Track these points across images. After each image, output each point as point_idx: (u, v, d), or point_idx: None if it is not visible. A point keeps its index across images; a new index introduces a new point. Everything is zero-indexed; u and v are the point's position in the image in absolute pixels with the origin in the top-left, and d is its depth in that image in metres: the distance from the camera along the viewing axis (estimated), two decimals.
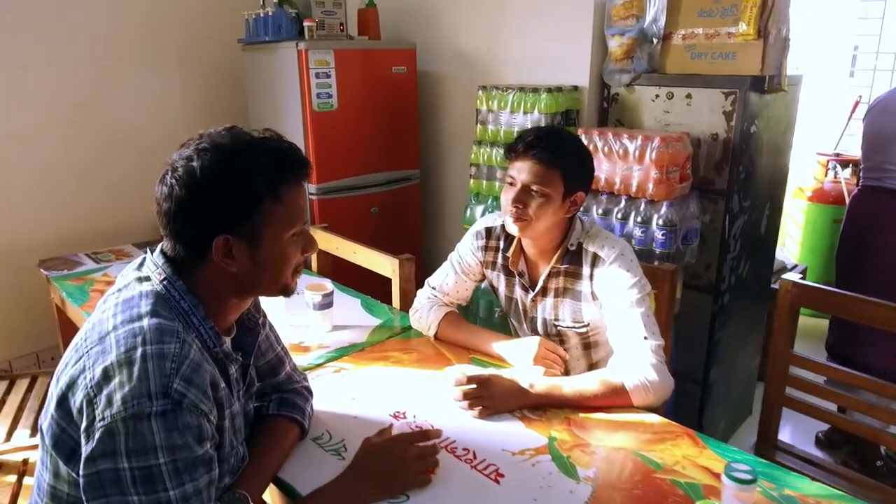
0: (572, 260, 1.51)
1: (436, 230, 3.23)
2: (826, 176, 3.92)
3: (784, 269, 3.32)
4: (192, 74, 3.04)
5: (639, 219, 2.12)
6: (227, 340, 1.04)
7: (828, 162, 3.93)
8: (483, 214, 2.52)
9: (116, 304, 0.94)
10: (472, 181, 2.55)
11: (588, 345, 1.61)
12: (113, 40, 2.81)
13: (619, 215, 2.17)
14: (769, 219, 2.55)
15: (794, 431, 2.67)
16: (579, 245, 1.52)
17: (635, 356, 1.38)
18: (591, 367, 1.64)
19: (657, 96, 2.27)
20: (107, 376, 0.85)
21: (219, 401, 0.95)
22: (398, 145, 2.91)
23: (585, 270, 1.50)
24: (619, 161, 2.12)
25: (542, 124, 2.27)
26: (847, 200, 3.76)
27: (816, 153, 4.08)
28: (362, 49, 2.70)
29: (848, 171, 3.77)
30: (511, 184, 1.48)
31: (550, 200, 1.44)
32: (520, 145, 1.45)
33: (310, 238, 1.04)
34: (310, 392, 1.30)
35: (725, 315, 2.34)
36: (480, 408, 1.31)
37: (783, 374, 1.80)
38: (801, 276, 3.39)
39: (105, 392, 0.84)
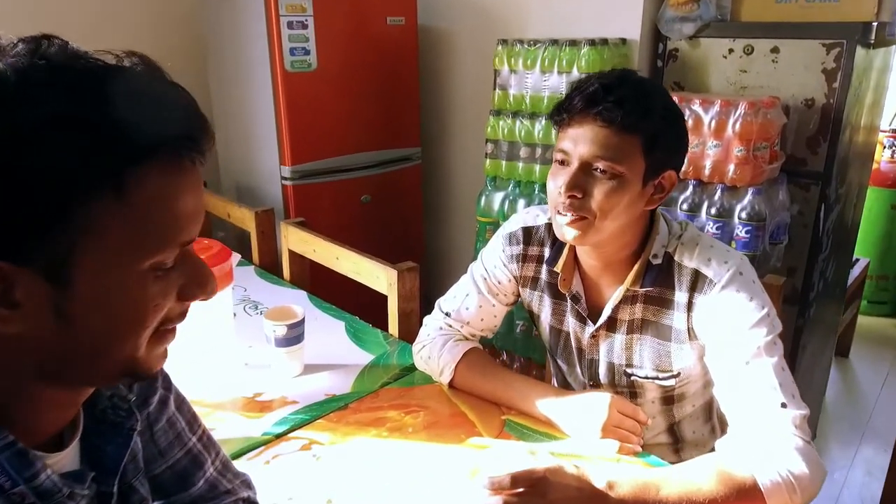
0: (658, 279, 1.01)
1: (441, 224, 2.72)
2: (883, 155, 3.41)
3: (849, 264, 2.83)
4: (142, 30, 2.47)
5: (713, 210, 1.61)
6: (59, 458, 0.54)
7: (884, 139, 3.42)
8: (503, 203, 2.00)
9: None
10: (488, 161, 2.04)
11: (671, 399, 1.11)
12: None
13: (686, 206, 1.66)
14: (855, 209, 2.06)
15: (872, 462, 2.21)
16: (668, 257, 1.01)
17: (770, 435, 0.89)
18: (671, 428, 1.14)
19: (731, 51, 1.76)
20: None
21: None
22: (394, 117, 2.38)
23: (680, 296, 1.00)
24: (688, 135, 1.60)
25: None
26: None
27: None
28: None
29: None
30: (562, 162, 0.97)
31: (626, 185, 0.94)
32: (577, 100, 0.94)
33: (198, 270, 0.53)
34: None
35: (810, 329, 1.85)
36: None
37: None
38: (862, 271, 2.92)
39: None
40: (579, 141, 0.94)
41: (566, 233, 0.98)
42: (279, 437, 1.05)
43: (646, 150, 0.94)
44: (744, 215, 1.57)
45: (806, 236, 1.74)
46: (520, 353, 2.05)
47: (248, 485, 0.81)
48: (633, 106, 0.92)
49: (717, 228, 1.60)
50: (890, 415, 2.52)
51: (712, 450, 1.18)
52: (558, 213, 0.98)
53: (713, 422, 1.19)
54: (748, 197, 1.57)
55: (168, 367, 1.11)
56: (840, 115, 1.62)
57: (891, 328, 3.28)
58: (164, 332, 0.52)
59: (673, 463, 1.19)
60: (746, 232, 1.56)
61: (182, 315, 0.53)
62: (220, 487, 0.76)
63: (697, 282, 0.98)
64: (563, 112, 0.96)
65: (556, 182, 0.97)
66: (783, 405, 0.90)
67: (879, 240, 3.37)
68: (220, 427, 1.07)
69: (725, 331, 0.95)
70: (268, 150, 2.16)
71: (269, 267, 1.76)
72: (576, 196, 0.95)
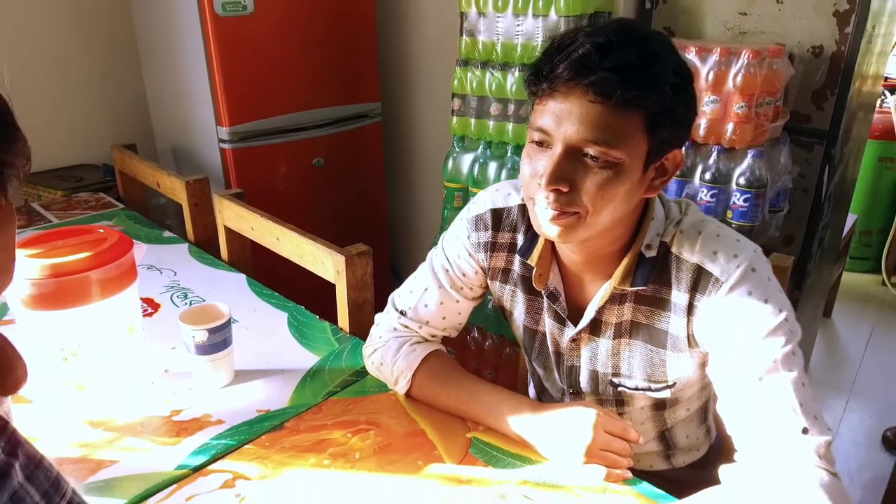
0: (652, 276, 0.83)
1: (406, 190, 2.50)
2: None
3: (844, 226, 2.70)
4: None
5: (707, 176, 1.43)
6: None
7: None
8: (473, 167, 1.78)
9: None
10: (454, 119, 1.81)
11: (662, 404, 0.94)
12: None
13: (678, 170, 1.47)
14: (854, 166, 1.89)
15: (857, 429, 2.14)
16: (664, 248, 0.83)
17: (790, 468, 0.73)
18: (662, 434, 0.99)
19: None
20: None
21: None
22: (348, 68, 2.12)
23: (678, 297, 0.82)
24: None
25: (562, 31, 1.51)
26: None
27: None
28: None
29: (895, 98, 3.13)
30: (541, 143, 0.76)
31: (623, 173, 0.75)
32: (561, 64, 0.72)
33: None
34: None
35: (805, 301, 1.71)
36: None
37: None
38: (850, 229, 2.80)
39: None
40: (564, 119, 0.73)
41: (548, 230, 0.79)
42: (196, 470, 0.86)
43: (649, 128, 0.74)
44: (742, 181, 1.38)
45: (806, 202, 1.57)
46: (492, 329, 1.89)
47: None
48: (636, 75, 0.70)
49: (711, 196, 1.42)
50: (874, 378, 2.46)
51: (706, 454, 1.05)
52: (540, 208, 0.78)
53: (708, 423, 1.05)
54: (747, 160, 1.38)
55: (59, 384, 0.92)
56: (851, 65, 1.43)
57: (873, 285, 3.20)
58: None
59: (664, 471, 1.06)
60: (745, 200, 1.38)
61: None
62: None
63: (700, 280, 0.80)
64: (542, 80, 0.74)
65: (535, 168, 0.77)
66: (804, 430, 0.74)
67: (865, 194, 3.25)
68: (126, 459, 0.88)
69: (735, 340, 0.78)
70: (202, 109, 1.90)
71: (206, 245, 1.54)
72: (561, 190, 0.75)
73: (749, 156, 1.38)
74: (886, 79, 3.37)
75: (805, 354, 2.17)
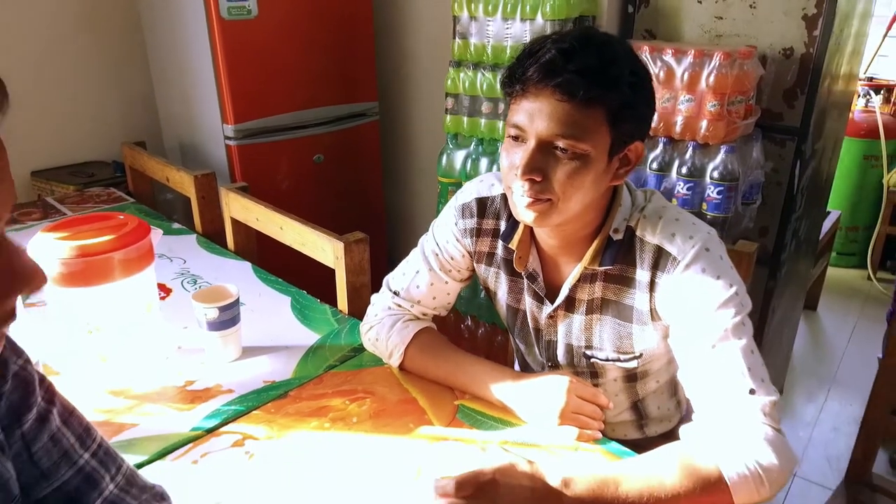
0: (619, 256, 0.92)
1: (403, 184, 2.58)
2: (857, 105, 3.35)
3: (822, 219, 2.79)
4: None
5: (684, 170, 1.52)
6: None
7: (858, 88, 3.36)
8: (465, 163, 1.88)
9: None
10: (448, 117, 1.90)
11: (633, 377, 1.04)
12: None
13: (655, 165, 1.57)
14: (830, 163, 1.99)
15: (838, 416, 2.23)
16: (630, 231, 0.92)
17: (737, 423, 0.82)
18: (635, 405, 1.08)
19: None
20: None
21: None
22: (348, 69, 2.20)
23: (642, 275, 0.91)
24: (659, 88, 1.49)
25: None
26: (882, 132, 3.27)
27: None
28: None
29: (880, 97, 3.22)
30: (517, 138, 0.86)
31: (590, 163, 0.84)
32: (531, 68, 0.82)
33: (14, 261, 0.44)
34: None
35: (781, 290, 1.80)
36: None
37: (892, 394, 1.28)
38: (834, 224, 2.89)
39: None
40: (536, 116, 0.82)
41: (525, 216, 0.88)
42: (210, 431, 0.95)
43: (611, 123, 0.83)
44: (716, 175, 1.48)
45: (779, 194, 1.66)
46: (484, 318, 1.98)
47: (160, 496, 0.72)
48: (596, 76, 0.79)
49: (687, 189, 1.51)
50: (856, 368, 2.53)
51: (677, 425, 1.14)
52: (517, 195, 0.87)
53: (679, 396, 1.14)
54: (721, 155, 1.47)
55: (85, 356, 1.02)
56: (820, 65, 1.52)
57: (859, 280, 3.28)
58: None
59: (638, 440, 1.15)
60: (718, 193, 1.47)
61: (9, 316, 0.44)
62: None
63: (660, 259, 0.89)
64: (515, 82, 0.84)
65: (512, 160, 0.86)
66: (751, 391, 0.83)
67: (851, 191, 3.33)
68: (145, 422, 0.97)
69: (690, 312, 0.87)
70: (208, 108, 1.98)
71: (213, 236, 1.63)
72: (535, 179, 0.84)
73: (722, 151, 1.47)
74: (871, 79, 3.46)
75: (787, 344, 2.27)
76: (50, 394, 0.63)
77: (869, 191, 3.30)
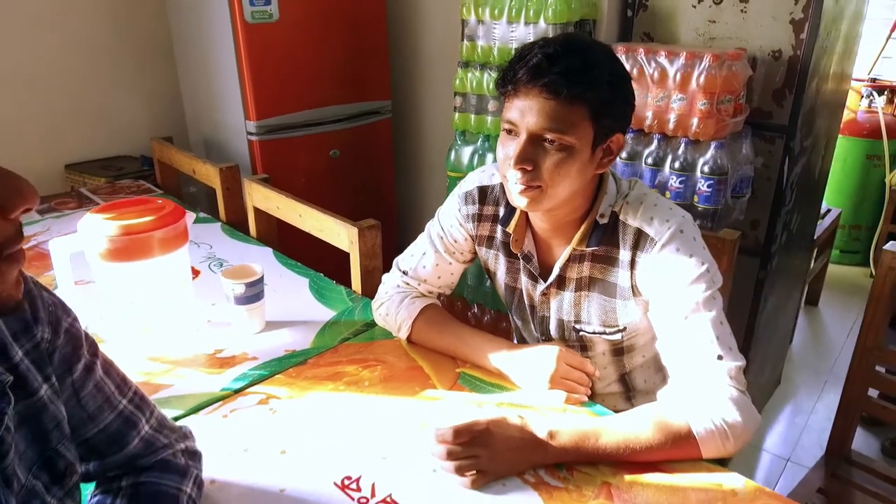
0: (604, 238, 1.02)
1: (414, 179, 2.69)
2: (860, 105, 3.41)
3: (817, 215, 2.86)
4: None
5: (676, 164, 1.62)
6: None
7: (861, 88, 3.41)
8: (473, 158, 1.99)
9: None
10: (456, 115, 2.00)
11: (620, 350, 1.14)
12: None
13: (650, 160, 1.66)
14: (823, 160, 2.07)
15: (833, 407, 2.30)
16: (614, 216, 1.02)
17: (706, 385, 0.93)
18: (623, 377, 1.18)
19: (700, 1, 1.72)
20: None
21: None
22: (362, 69, 2.31)
23: (624, 254, 1.01)
24: (654, 88, 1.59)
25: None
26: (885, 132, 3.32)
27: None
28: None
29: (883, 98, 3.27)
30: (510, 132, 0.97)
31: (575, 154, 0.94)
32: (521, 70, 0.92)
33: (7, 179, 0.50)
34: (193, 456, 0.83)
35: (772, 281, 1.89)
36: (473, 474, 0.86)
37: (868, 374, 1.37)
38: (833, 221, 2.95)
39: None
40: (526, 112, 0.93)
41: (518, 201, 0.99)
42: (237, 392, 1.07)
43: (593, 117, 0.93)
44: (706, 169, 1.57)
45: (770, 189, 1.75)
46: (490, 305, 2.09)
47: (185, 436, 0.83)
48: (578, 77, 0.90)
49: (679, 182, 1.61)
50: None
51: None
52: (511, 183, 0.98)
53: (665, 371, 1.23)
54: (710, 151, 1.57)
55: (127, 327, 1.14)
56: (806, 66, 1.61)
57: (861, 277, 3.34)
58: (8, 258, 0.51)
59: (625, 411, 1.25)
60: (708, 186, 1.57)
61: (16, 237, 0.51)
62: (156, 444, 0.78)
63: (640, 240, 1.00)
64: (508, 82, 0.95)
65: (506, 152, 0.97)
66: (719, 357, 0.93)
67: (854, 190, 3.39)
68: (179, 383, 1.09)
69: (666, 287, 0.98)
70: (232, 105, 2.11)
71: (237, 224, 1.75)
72: (526, 168, 0.95)
73: (712, 147, 1.56)
74: (875, 80, 3.52)
75: (784, 335, 2.34)
76: (94, 348, 0.74)
77: (872, 190, 3.36)
